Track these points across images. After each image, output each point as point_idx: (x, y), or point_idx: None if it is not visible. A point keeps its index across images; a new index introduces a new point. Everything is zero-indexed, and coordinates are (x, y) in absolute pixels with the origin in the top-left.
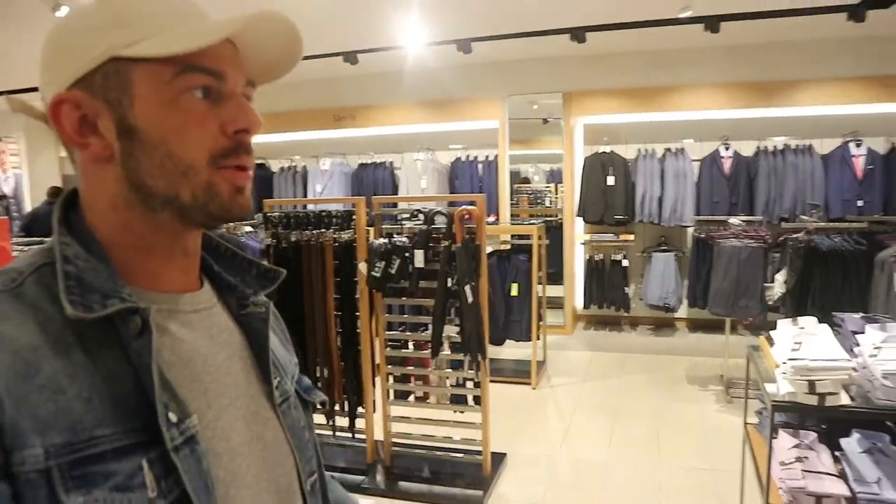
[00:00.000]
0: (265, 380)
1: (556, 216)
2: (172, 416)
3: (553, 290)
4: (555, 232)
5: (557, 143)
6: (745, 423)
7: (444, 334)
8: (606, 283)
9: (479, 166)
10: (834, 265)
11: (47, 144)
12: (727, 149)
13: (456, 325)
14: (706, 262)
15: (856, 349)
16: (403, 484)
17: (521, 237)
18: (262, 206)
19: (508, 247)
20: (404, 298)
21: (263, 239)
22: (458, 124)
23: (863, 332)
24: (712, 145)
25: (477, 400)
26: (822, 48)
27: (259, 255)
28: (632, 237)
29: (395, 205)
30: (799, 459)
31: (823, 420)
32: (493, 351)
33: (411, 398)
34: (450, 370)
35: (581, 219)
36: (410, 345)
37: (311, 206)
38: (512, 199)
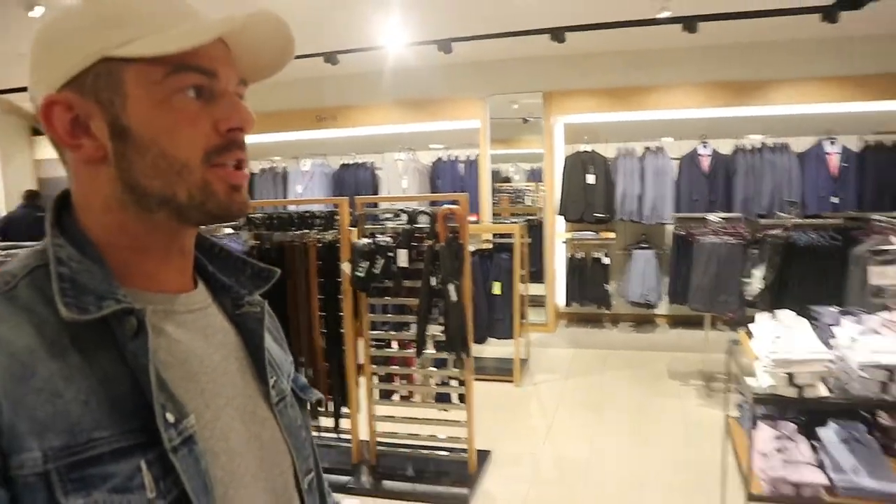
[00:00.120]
0: (261, 379)
1: (537, 215)
2: (170, 417)
3: (535, 289)
4: (536, 231)
5: (538, 142)
6: (727, 416)
7: (428, 333)
8: (588, 281)
9: (461, 166)
10: (811, 260)
11: (21, 148)
12: (705, 147)
13: (440, 324)
14: (686, 258)
15: (832, 341)
16: (389, 483)
17: (502, 236)
18: None
19: (490, 246)
20: (388, 298)
21: (246, 241)
22: (438, 124)
23: (839, 325)
24: (691, 144)
25: (461, 398)
26: (797, 48)
27: None
28: (612, 235)
29: (377, 205)
30: (779, 450)
31: (802, 412)
32: (476, 349)
33: (396, 397)
34: (434, 369)
35: (562, 217)
36: (395, 344)
37: (292, 207)
38: (493, 199)
